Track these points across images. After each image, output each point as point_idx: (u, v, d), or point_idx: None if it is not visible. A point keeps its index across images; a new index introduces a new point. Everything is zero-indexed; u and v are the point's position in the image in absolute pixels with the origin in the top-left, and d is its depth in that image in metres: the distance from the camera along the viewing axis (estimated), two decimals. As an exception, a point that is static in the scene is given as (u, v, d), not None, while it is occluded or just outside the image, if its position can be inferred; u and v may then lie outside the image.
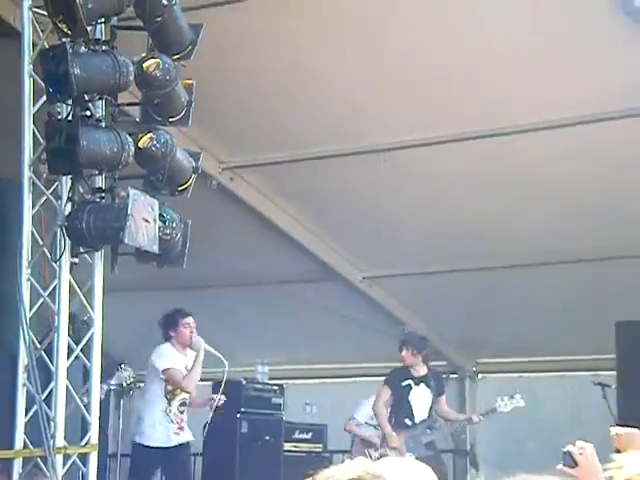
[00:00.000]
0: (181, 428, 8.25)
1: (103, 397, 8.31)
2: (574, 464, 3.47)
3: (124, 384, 8.87)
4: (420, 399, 8.82)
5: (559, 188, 8.66)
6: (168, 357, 8.20)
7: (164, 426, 8.15)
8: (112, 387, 8.74)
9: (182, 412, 8.29)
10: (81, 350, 6.08)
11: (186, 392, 8.14)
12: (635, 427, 4.09)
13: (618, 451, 3.58)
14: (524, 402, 8.98)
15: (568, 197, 8.74)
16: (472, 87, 7.68)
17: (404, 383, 8.78)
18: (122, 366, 8.84)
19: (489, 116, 7.97)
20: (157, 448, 8.12)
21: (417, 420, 8.76)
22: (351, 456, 9.82)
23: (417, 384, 8.81)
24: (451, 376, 12.09)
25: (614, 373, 9.56)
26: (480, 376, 12.12)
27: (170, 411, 8.19)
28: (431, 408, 8.89)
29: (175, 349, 8.26)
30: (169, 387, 8.17)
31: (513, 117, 7.95)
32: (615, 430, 3.73)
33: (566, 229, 9.15)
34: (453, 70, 7.55)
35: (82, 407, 6.02)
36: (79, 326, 6.26)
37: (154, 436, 8.14)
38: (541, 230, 9.24)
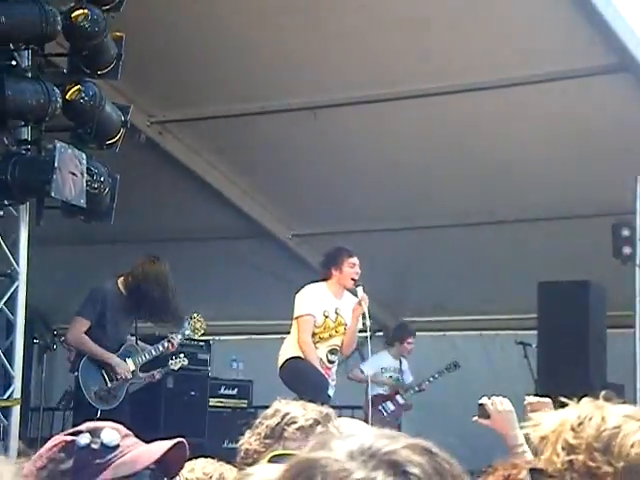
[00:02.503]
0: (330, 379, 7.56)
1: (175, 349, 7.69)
2: (487, 416, 3.62)
3: (196, 335, 8.03)
4: None
5: (479, 149, 8.77)
6: (307, 302, 7.57)
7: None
8: (186, 335, 7.81)
9: (332, 362, 7.64)
10: (4, 304, 6.02)
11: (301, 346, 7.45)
12: (549, 395, 4.21)
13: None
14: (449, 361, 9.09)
15: (488, 158, 8.85)
16: (410, 42, 7.69)
17: None
18: (195, 316, 7.96)
19: (422, 74, 8.01)
20: None
21: None
22: (365, 409, 9.91)
23: None
24: (376, 334, 12.23)
25: (535, 332, 9.77)
26: (405, 334, 12.27)
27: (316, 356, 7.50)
28: None
29: (329, 290, 7.65)
30: (315, 329, 7.54)
31: (445, 76, 8.00)
32: (529, 399, 3.86)
33: (489, 192, 9.28)
34: (390, 23, 7.55)
35: (5, 361, 5.97)
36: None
37: None
38: (463, 191, 9.35)
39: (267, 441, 2.21)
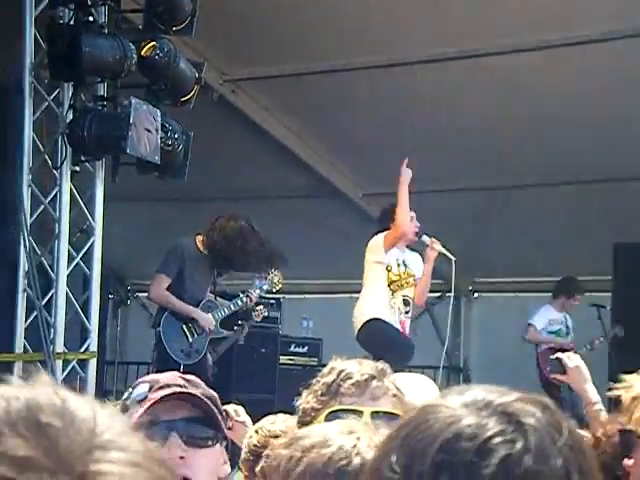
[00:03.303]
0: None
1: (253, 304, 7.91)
2: (564, 371, 3.61)
3: (274, 289, 8.14)
4: None
5: (560, 108, 8.60)
6: (382, 250, 7.47)
7: (389, 315, 7.38)
8: (264, 290, 7.96)
9: (407, 312, 7.55)
10: (81, 258, 6.11)
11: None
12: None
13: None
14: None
15: (569, 117, 8.68)
16: (482, 3, 7.57)
17: None
18: (273, 271, 8.06)
19: (493, 32, 7.87)
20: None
21: None
22: (539, 363, 9.82)
23: None
24: (447, 294, 12.16)
25: (609, 295, 9.64)
26: (476, 295, 12.20)
27: (394, 304, 7.47)
28: None
29: (384, 245, 7.52)
30: (392, 276, 7.49)
31: (521, 34, 7.85)
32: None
33: (566, 151, 9.12)
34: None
35: (82, 314, 6.08)
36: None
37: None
38: (542, 151, 9.20)
39: (323, 398, 2.23)
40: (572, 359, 3.62)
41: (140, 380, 2.17)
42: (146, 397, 2.08)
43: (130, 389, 2.14)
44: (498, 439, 0.99)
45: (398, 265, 7.60)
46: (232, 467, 2.36)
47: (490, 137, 9.14)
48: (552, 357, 3.72)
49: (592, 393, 3.46)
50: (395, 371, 2.34)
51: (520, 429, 1.01)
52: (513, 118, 8.85)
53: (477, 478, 0.98)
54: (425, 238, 7.59)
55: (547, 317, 10.00)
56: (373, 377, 2.19)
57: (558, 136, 8.94)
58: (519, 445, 0.99)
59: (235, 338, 8.57)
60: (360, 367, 2.23)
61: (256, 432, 2.91)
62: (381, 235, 7.61)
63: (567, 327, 10.03)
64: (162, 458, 0.86)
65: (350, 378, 2.21)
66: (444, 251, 7.55)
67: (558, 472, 0.99)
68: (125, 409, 2.10)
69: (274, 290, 8.18)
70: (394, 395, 2.17)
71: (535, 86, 8.38)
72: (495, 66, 8.26)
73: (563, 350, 9.31)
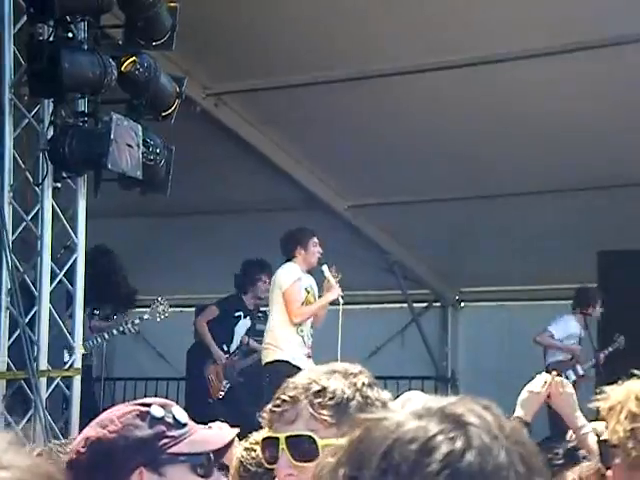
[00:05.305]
0: (310, 357, 7.76)
1: (134, 332, 8.22)
2: (548, 395, 3.61)
3: (158, 319, 8.29)
4: (242, 330, 9.20)
5: (543, 118, 8.63)
6: (292, 276, 7.88)
7: (297, 345, 7.72)
8: (145, 319, 8.22)
9: (312, 336, 7.87)
10: (64, 275, 6.09)
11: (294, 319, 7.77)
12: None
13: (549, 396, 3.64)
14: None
15: (551, 127, 8.71)
16: (467, 12, 7.58)
17: (236, 313, 9.05)
18: (158, 299, 8.30)
19: (480, 43, 7.89)
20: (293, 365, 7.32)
21: (232, 349, 9.10)
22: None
23: (245, 317, 9.18)
24: (433, 304, 12.17)
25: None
26: (462, 304, 12.21)
27: (302, 331, 7.79)
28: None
29: (300, 269, 7.94)
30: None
31: (504, 44, 7.87)
32: (553, 378, 3.71)
33: (549, 159, 9.15)
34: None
35: (65, 331, 6.04)
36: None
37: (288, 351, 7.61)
38: (525, 160, 9.23)
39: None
40: (564, 386, 3.61)
41: (166, 401, 2.11)
42: (187, 423, 2.05)
43: (161, 408, 2.03)
44: (439, 437, 1.02)
45: (308, 292, 7.97)
46: None
47: (473, 147, 9.15)
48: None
49: (581, 418, 3.48)
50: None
51: (461, 428, 1.03)
52: (494, 128, 8.87)
53: (422, 476, 0.99)
54: (325, 268, 7.95)
55: (568, 330, 9.63)
56: (284, 401, 2.20)
57: (539, 145, 8.96)
58: (460, 442, 1.01)
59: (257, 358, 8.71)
60: (285, 388, 2.24)
61: (246, 449, 2.91)
62: (287, 267, 7.99)
63: (580, 341, 9.69)
64: (49, 472, 0.83)
65: (271, 405, 2.23)
66: (336, 285, 7.86)
67: (502, 465, 1.02)
68: (162, 424, 2.01)
69: (158, 319, 8.25)
70: (311, 415, 2.16)
71: (516, 95, 8.40)
72: (477, 76, 8.28)
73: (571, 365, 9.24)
